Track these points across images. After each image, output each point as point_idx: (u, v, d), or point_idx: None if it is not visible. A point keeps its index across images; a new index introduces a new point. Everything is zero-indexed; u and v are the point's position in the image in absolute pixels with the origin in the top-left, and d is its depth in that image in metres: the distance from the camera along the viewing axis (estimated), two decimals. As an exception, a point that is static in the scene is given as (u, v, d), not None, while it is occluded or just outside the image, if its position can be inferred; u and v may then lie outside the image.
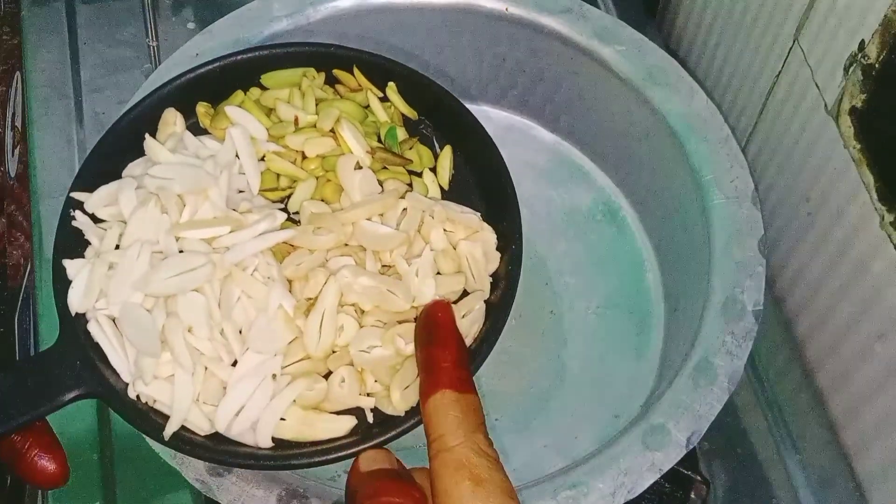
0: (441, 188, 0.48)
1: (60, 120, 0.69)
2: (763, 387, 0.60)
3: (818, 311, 0.58)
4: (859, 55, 0.50)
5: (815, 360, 0.59)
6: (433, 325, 0.40)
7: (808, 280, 0.59)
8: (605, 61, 0.59)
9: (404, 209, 0.44)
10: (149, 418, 0.41)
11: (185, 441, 0.41)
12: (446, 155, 0.48)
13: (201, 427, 0.41)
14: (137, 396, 0.41)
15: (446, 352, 0.39)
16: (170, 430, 0.40)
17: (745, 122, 0.64)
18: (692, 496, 0.55)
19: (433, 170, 0.48)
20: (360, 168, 0.46)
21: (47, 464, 0.39)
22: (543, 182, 0.65)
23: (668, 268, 0.60)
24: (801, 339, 0.61)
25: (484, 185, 0.47)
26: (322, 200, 0.46)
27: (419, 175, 0.48)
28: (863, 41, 0.49)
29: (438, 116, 0.49)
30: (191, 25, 0.74)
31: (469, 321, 0.42)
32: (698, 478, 0.55)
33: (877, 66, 0.49)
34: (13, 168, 0.77)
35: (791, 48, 0.57)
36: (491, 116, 0.67)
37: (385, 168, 0.47)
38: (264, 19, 0.59)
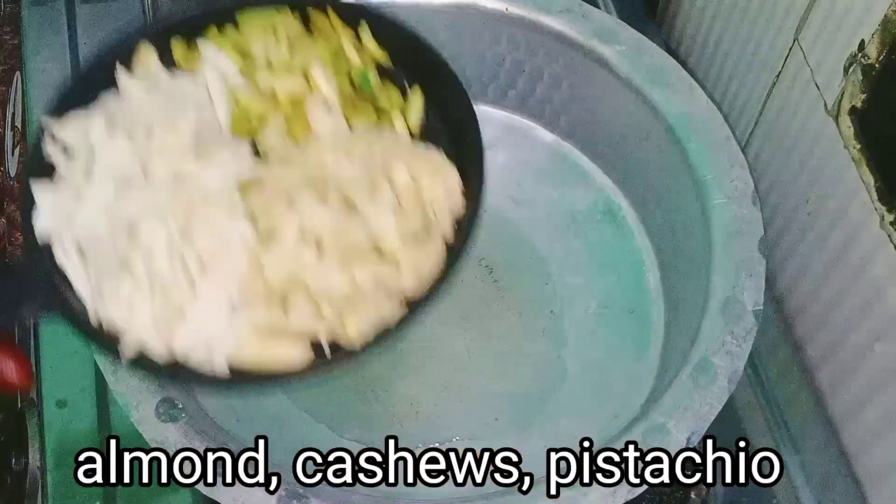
0: (410, 132, 0.48)
1: (60, 120, 0.69)
2: (763, 387, 0.60)
3: (818, 311, 0.58)
4: (859, 55, 0.50)
5: (815, 360, 0.59)
6: None
7: (808, 280, 0.59)
8: (605, 61, 0.59)
9: (370, 149, 0.44)
10: (109, 340, 0.41)
11: (144, 364, 0.41)
12: (416, 97, 0.48)
13: (159, 353, 0.41)
14: (98, 318, 0.41)
15: None
16: (127, 349, 0.40)
17: (745, 122, 0.64)
18: (692, 496, 0.55)
19: (403, 112, 0.48)
20: (329, 108, 0.46)
21: (10, 370, 0.41)
22: (543, 182, 0.65)
23: (668, 268, 0.60)
24: (801, 339, 0.61)
25: (452, 130, 0.47)
26: (291, 139, 0.46)
27: (389, 118, 0.48)
28: (863, 41, 0.49)
29: (411, 61, 0.49)
30: (191, 25, 0.74)
31: (428, 262, 0.42)
32: (698, 478, 0.55)
33: (877, 66, 0.49)
34: (13, 168, 0.77)
35: (791, 48, 0.57)
36: (491, 116, 0.67)
37: (354, 109, 0.47)
38: (264, 19, 0.59)
